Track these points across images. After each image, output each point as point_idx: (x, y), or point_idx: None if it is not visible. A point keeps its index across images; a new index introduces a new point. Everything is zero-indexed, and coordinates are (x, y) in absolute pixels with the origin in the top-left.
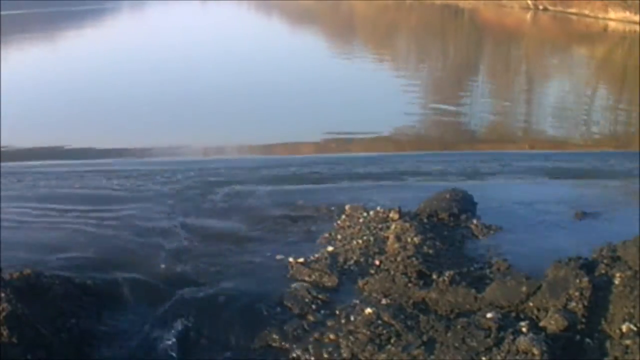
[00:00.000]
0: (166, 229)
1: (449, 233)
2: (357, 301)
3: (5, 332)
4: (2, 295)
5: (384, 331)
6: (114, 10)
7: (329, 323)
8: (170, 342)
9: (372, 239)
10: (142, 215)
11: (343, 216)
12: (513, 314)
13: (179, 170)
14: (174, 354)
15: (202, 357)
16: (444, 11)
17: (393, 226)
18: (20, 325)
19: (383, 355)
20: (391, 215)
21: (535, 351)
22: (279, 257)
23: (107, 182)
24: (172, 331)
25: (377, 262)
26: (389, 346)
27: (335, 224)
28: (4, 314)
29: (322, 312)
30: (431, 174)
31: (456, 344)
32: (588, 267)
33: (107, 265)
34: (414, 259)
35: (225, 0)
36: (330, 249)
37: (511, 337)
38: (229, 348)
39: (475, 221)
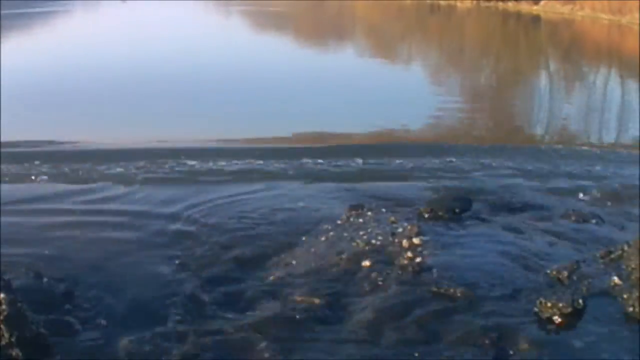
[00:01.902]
0: None
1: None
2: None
3: (5, 332)
4: (2, 295)
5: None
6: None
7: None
8: None
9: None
10: None
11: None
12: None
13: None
14: None
15: None
16: (508, 21)
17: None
18: (20, 325)
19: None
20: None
21: (535, 350)
22: None
23: None
24: None
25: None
26: (388, 346)
27: None
28: (4, 314)
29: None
30: None
31: (456, 345)
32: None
33: None
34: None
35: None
36: None
37: (511, 337)
38: None
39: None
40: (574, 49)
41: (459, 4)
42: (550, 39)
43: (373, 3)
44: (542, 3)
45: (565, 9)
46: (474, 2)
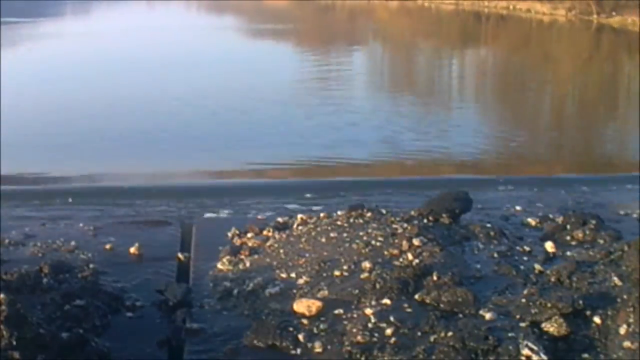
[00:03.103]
0: None
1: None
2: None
3: (5, 333)
4: (2, 295)
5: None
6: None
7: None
8: None
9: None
10: None
11: None
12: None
13: None
14: None
15: None
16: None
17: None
18: (20, 325)
19: (384, 358)
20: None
21: (535, 352)
22: None
23: None
24: None
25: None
26: (388, 348)
27: None
28: (4, 314)
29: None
30: None
31: (456, 346)
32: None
33: None
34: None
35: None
36: None
37: (511, 339)
38: None
39: None
40: None
41: (544, 17)
42: None
43: (398, 6)
44: None
45: None
46: (568, 11)
